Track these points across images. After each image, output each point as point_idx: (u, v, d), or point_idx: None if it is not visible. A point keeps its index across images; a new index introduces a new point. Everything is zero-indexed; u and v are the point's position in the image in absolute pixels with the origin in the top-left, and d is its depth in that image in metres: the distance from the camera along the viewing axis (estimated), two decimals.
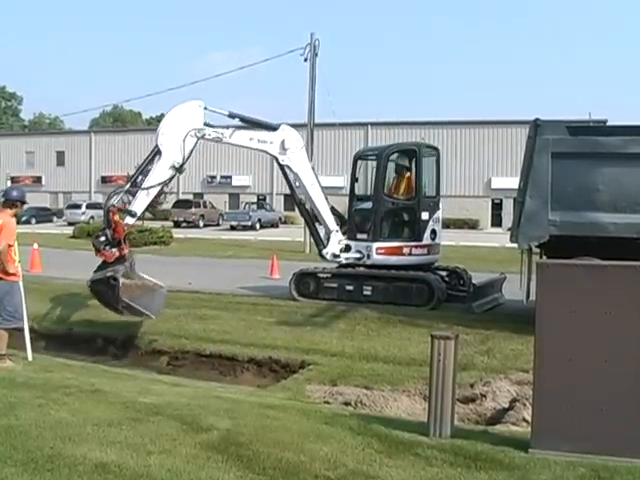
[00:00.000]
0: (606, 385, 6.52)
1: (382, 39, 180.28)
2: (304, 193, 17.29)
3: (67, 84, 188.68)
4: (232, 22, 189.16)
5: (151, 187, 14.56)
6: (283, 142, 16.20)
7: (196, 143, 15.04)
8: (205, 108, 15.24)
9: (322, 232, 17.72)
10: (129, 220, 14.40)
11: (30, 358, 11.35)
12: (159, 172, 14.62)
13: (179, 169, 14.81)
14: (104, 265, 13.92)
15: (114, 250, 13.75)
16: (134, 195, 14.84)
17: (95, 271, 14.17)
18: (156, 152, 14.77)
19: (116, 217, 13.88)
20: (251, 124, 16.77)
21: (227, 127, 16.02)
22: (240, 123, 16.81)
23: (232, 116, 15.96)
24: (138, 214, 14.68)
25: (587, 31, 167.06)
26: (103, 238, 13.88)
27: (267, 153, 16.73)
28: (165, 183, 15.07)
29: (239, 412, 8.15)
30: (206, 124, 15.22)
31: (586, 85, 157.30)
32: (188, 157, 14.83)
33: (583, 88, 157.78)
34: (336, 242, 17.48)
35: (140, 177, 15.06)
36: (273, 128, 16.40)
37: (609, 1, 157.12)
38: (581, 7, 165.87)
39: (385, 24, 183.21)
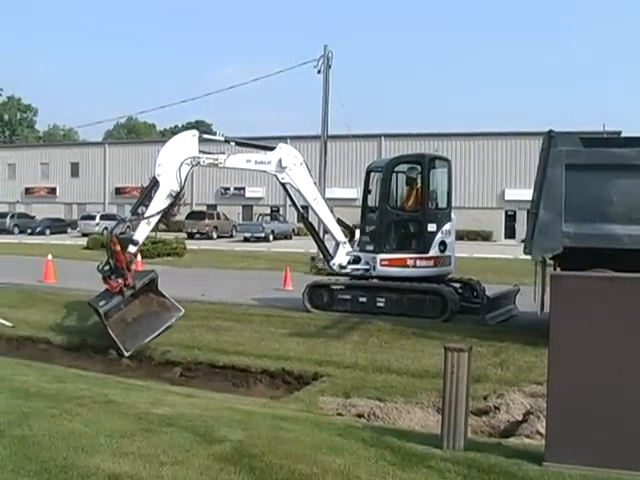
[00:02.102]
0: (621, 398, 6.48)
1: (396, 51, 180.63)
2: (309, 208, 17.34)
3: (82, 96, 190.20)
4: (247, 35, 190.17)
5: (151, 216, 15.09)
6: (280, 161, 16.29)
7: (190, 170, 15.53)
8: (200, 136, 15.68)
9: (333, 244, 17.75)
10: (132, 249, 14.94)
11: None
12: (158, 201, 15.13)
13: (176, 197, 15.57)
14: (106, 292, 14.83)
15: (120, 281, 14.56)
16: (137, 224, 15.40)
17: (97, 295, 15.11)
18: (155, 183, 15.30)
19: (117, 247, 14.57)
20: (248, 147, 16.97)
21: (222, 152, 16.18)
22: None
23: (228, 141, 16.22)
24: (140, 242, 15.26)
25: (602, 43, 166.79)
26: (107, 267, 14.76)
27: (266, 173, 16.83)
28: (164, 211, 15.63)
29: (252, 423, 8.14)
30: (202, 151, 15.61)
31: (600, 97, 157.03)
32: (184, 184, 15.46)
33: (597, 100, 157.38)
34: (344, 254, 17.48)
35: (140, 207, 15.74)
36: (270, 148, 16.53)
37: (622, 13, 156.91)
38: (595, 19, 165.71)
39: (399, 36, 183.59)
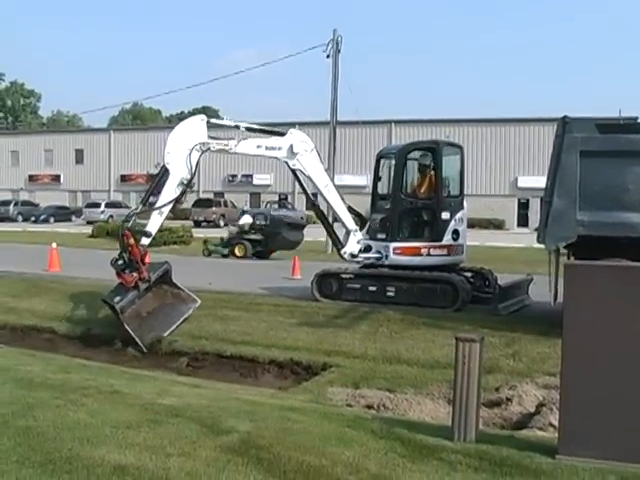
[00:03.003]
0: (637, 390, 6.47)
1: (406, 36, 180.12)
2: (319, 195, 17.31)
3: (86, 81, 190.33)
4: (256, 19, 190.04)
5: (163, 206, 15.02)
6: (291, 147, 16.26)
7: (200, 157, 15.46)
8: (208, 121, 15.58)
9: (343, 232, 17.73)
10: (145, 241, 14.91)
11: None
12: (169, 191, 15.05)
13: (187, 185, 15.38)
14: (120, 287, 14.75)
15: (134, 274, 14.49)
16: (148, 216, 15.33)
17: (111, 290, 15.04)
18: (164, 171, 15.19)
19: (131, 240, 14.53)
20: (258, 132, 16.90)
21: (231, 138, 16.12)
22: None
23: (238, 126, 16.16)
24: (153, 234, 15.18)
25: (618, 28, 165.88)
26: (121, 262, 14.66)
27: (277, 159, 16.80)
28: (176, 200, 15.45)
29: (260, 414, 8.16)
30: (210, 137, 15.53)
31: (617, 82, 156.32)
32: (195, 172, 15.35)
33: (613, 85, 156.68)
34: (355, 242, 17.45)
35: (151, 197, 15.64)
36: (281, 134, 16.49)
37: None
38: (611, 4, 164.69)
39: (409, 21, 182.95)
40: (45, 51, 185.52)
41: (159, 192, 15.16)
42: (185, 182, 15.20)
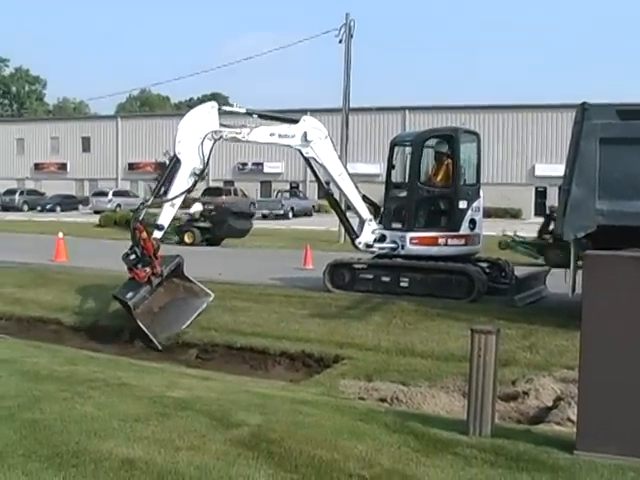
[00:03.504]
0: None
1: (421, 20, 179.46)
2: (333, 184, 17.30)
3: (93, 67, 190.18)
4: (266, 2, 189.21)
5: (175, 198, 14.81)
6: (305, 134, 16.22)
7: (213, 146, 15.27)
8: (219, 109, 15.44)
9: (356, 221, 17.73)
10: (157, 234, 14.70)
11: None
12: (181, 181, 14.88)
13: (200, 175, 15.17)
14: (132, 282, 14.50)
15: (147, 269, 14.27)
16: (159, 208, 15.12)
17: (122, 285, 14.84)
18: (175, 161, 15.01)
19: (143, 234, 14.31)
20: (270, 119, 16.86)
21: (244, 125, 16.06)
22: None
23: (250, 113, 16.11)
24: (165, 227, 14.97)
25: (636, 12, 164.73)
26: (133, 256, 14.36)
27: (290, 147, 16.76)
28: (188, 191, 15.26)
29: (270, 408, 8.18)
30: (222, 124, 15.38)
31: (637, 66, 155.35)
32: (208, 161, 15.16)
33: (635, 69, 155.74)
34: (369, 232, 17.45)
35: (163, 188, 15.35)
36: (294, 121, 16.44)
37: None
38: None
39: (424, 4, 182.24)
40: (50, 36, 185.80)
41: (170, 183, 14.97)
42: (197, 172, 15.02)
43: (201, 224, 32.27)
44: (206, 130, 15.05)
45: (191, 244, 31.03)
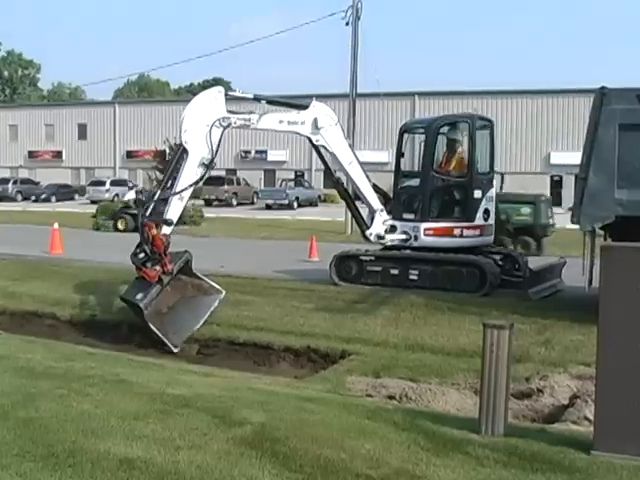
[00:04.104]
0: None
1: (430, 2, 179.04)
2: (342, 173, 17.28)
3: (89, 51, 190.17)
4: None
5: (183, 190, 14.51)
6: (315, 121, 16.15)
7: (222, 134, 15.01)
8: (226, 94, 15.23)
9: (365, 212, 17.73)
10: (166, 230, 14.33)
11: None
12: (189, 172, 14.58)
13: (209, 165, 14.83)
14: (140, 282, 14.12)
15: (157, 268, 13.89)
16: (166, 201, 14.73)
17: (130, 286, 14.50)
18: (182, 151, 14.74)
19: (153, 231, 13.94)
20: (279, 105, 16.79)
21: (252, 112, 15.94)
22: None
23: (258, 99, 16.02)
24: (174, 221, 14.61)
25: None
26: (142, 255, 14.00)
27: (300, 134, 16.71)
28: (197, 183, 14.98)
29: (274, 405, 8.19)
30: (230, 111, 15.18)
31: None
32: (217, 150, 14.81)
33: None
34: (381, 222, 17.45)
35: (170, 181, 14.97)
36: (303, 107, 16.36)
37: None
38: None
39: None
40: (44, 18, 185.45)
41: (178, 175, 14.64)
42: (206, 162, 14.70)
43: (133, 211, 33.54)
44: (214, 117, 14.79)
45: (124, 230, 33.54)
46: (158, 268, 13.91)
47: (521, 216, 25.29)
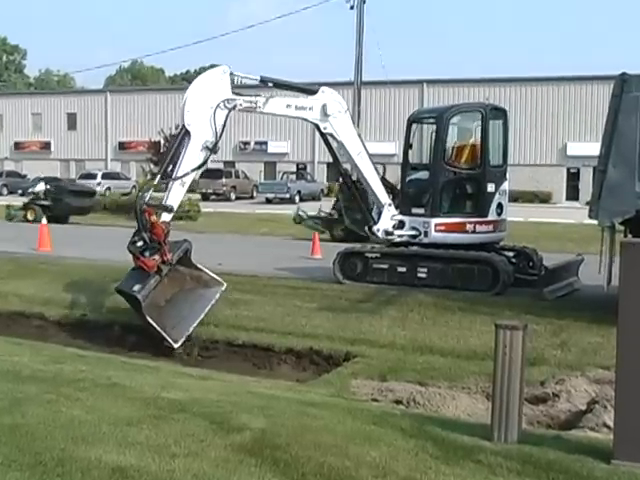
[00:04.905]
0: None
1: None
2: (350, 163, 17.25)
3: (78, 35, 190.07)
4: None
5: (185, 175, 14.37)
6: (324, 107, 16.12)
7: (227, 116, 14.85)
8: (231, 74, 15.08)
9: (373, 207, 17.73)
10: (166, 217, 14.17)
11: None
12: (191, 156, 14.42)
13: (213, 149, 14.66)
14: (137, 273, 13.94)
15: (156, 257, 13.69)
16: (167, 187, 14.62)
17: (126, 277, 14.26)
18: (184, 134, 14.56)
19: (153, 217, 13.76)
20: (287, 89, 16.74)
21: (258, 94, 15.86)
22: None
23: (264, 81, 15.94)
24: (175, 208, 14.49)
25: None
26: (141, 243, 13.76)
27: (307, 121, 16.68)
28: (200, 167, 14.92)
29: (275, 410, 8.19)
30: (235, 92, 15.09)
31: None
32: (221, 134, 14.67)
33: None
34: (389, 217, 17.44)
35: (171, 165, 14.76)
36: (312, 92, 16.33)
37: None
38: None
39: None
40: (30, 1, 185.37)
41: (179, 159, 14.44)
42: (210, 146, 14.52)
43: (43, 202, 37.00)
44: (218, 98, 14.64)
45: (33, 221, 34.49)
46: (157, 257, 13.69)
47: None
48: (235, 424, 7.52)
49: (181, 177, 14.35)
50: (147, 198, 14.12)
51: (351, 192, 18.12)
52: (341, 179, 18.27)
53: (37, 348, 12.30)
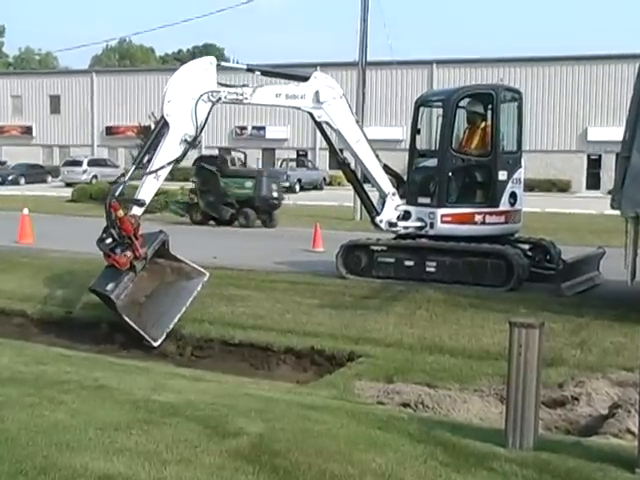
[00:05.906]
0: None
1: None
2: (349, 152, 17.23)
3: (62, 12, 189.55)
4: None
5: (160, 169, 14.39)
6: (317, 94, 16.07)
7: (211, 109, 14.91)
8: (218, 64, 15.14)
9: (376, 196, 17.71)
10: (137, 210, 14.15)
11: None
12: (168, 149, 14.48)
13: (192, 143, 14.71)
14: (111, 271, 13.96)
15: (128, 254, 13.71)
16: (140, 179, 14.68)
17: (100, 276, 14.28)
18: (163, 124, 14.65)
19: (119, 212, 13.73)
20: (275, 76, 16.74)
21: (245, 85, 15.88)
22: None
23: (252, 70, 15.95)
24: (147, 202, 14.48)
25: None
26: (110, 240, 13.81)
27: (299, 109, 16.66)
28: (177, 161, 14.84)
29: (274, 413, 8.22)
30: (220, 84, 15.13)
31: None
32: (202, 127, 14.75)
33: None
34: (393, 208, 17.41)
35: (147, 157, 14.88)
36: (303, 78, 16.32)
37: None
38: None
39: None
40: None
41: (156, 151, 14.54)
42: (189, 139, 14.58)
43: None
44: (201, 90, 14.69)
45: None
46: (129, 254, 13.71)
47: (243, 189, 32.18)
48: (231, 429, 7.53)
49: (156, 170, 14.37)
50: (117, 192, 14.12)
51: (351, 182, 18.05)
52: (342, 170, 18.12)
53: (18, 348, 12.29)
